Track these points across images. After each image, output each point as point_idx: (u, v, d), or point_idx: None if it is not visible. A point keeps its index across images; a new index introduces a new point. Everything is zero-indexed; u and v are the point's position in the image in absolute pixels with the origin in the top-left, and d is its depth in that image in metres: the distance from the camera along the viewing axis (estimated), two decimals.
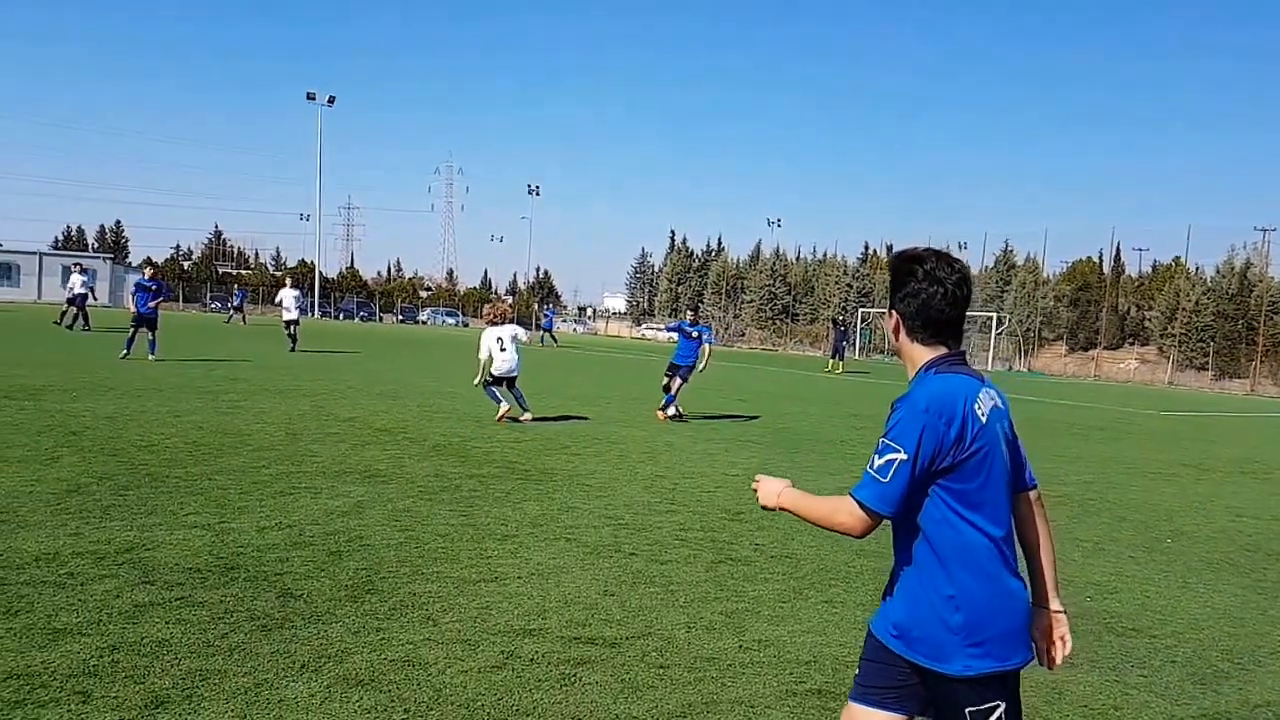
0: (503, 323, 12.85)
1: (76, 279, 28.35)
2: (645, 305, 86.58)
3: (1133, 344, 62.14)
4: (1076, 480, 10.92)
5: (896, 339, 2.42)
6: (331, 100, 73.08)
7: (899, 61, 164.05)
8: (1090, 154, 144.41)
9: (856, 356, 45.95)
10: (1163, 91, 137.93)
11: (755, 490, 2.47)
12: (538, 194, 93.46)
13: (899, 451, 2.18)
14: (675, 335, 14.64)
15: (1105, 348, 61.67)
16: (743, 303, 77.46)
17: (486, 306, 13.83)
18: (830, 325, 48.35)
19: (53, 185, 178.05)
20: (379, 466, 8.40)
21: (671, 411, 13.77)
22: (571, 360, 31.69)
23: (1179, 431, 20.12)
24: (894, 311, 2.40)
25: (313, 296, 72.90)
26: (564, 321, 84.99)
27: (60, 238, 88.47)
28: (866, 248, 79.83)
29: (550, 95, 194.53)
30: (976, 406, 2.25)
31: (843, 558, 6.30)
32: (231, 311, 46.03)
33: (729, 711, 3.76)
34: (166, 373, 15.72)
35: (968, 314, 2.45)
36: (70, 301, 28.45)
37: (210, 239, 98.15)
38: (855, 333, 60.41)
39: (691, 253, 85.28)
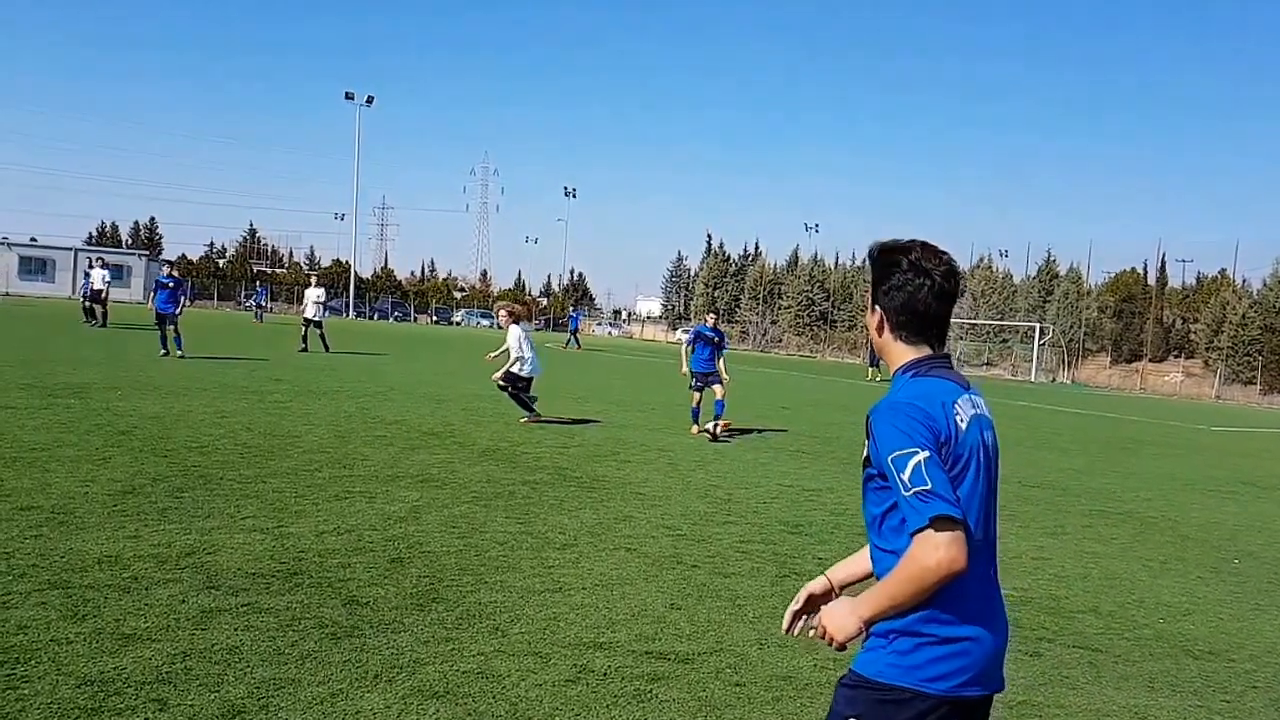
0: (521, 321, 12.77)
1: (98, 274, 27.87)
2: (680, 309, 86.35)
3: (1178, 356, 61.06)
4: (1135, 497, 10.67)
5: (879, 337, 2.21)
6: (370, 100, 73.44)
7: (940, 68, 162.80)
8: (1136, 166, 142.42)
9: None
10: (1214, 104, 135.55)
11: (828, 641, 2.05)
12: (574, 196, 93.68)
13: (915, 451, 1.92)
14: (695, 343, 13.26)
15: (1150, 360, 60.65)
16: (780, 308, 77.04)
17: (506, 305, 13.18)
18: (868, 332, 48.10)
19: (87, 181, 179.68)
20: (431, 471, 8.36)
21: (712, 426, 12.74)
22: (610, 365, 31.63)
23: (1231, 447, 19.67)
24: (877, 307, 2.18)
25: (348, 296, 73.42)
26: (598, 324, 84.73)
27: (94, 234, 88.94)
28: None
29: (587, 97, 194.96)
30: (956, 411, 2.04)
31: None
32: (256, 311, 46.39)
33: None
34: (207, 372, 15.80)
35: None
36: (89, 296, 27.95)
37: (245, 237, 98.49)
38: None
39: (728, 257, 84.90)
